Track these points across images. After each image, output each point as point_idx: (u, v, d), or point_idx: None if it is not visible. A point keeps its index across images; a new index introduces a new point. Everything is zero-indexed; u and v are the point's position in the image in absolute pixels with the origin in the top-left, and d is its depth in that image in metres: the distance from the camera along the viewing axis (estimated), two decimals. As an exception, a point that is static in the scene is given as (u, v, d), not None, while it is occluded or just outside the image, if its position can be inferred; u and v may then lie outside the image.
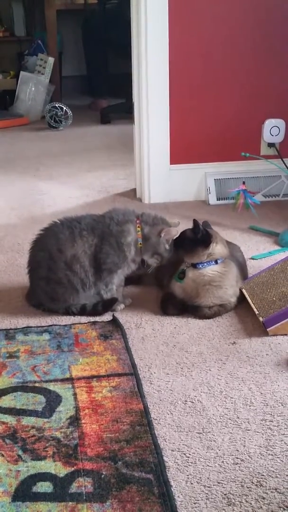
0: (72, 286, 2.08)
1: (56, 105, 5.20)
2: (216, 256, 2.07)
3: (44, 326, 2.05)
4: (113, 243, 2.08)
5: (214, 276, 2.07)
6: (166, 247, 2.12)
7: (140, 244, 2.11)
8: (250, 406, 1.63)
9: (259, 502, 1.32)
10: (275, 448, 1.47)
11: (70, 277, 2.07)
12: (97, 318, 2.09)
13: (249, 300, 2.11)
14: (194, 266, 2.08)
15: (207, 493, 1.34)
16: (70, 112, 5.19)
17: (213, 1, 3.07)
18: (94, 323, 2.06)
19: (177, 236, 2.12)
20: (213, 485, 1.37)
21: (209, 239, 2.06)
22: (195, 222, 2.07)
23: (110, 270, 2.09)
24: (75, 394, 1.68)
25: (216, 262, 2.08)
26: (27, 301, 2.22)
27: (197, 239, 2.06)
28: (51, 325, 2.05)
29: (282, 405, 1.63)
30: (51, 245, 2.08)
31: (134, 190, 3.43)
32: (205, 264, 2.07)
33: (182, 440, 1.51)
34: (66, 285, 2.08)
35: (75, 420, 1.58)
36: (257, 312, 2.04)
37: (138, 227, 2.11)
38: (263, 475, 1.39)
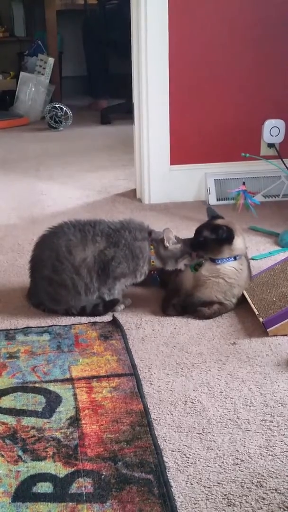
0: (75, 289, 2.07)
1: (56, 105, 5.20)
2: (237, 252, 2.08)
3: (44, 327, 2.05)
4: (128, 255, 2.08)
5: (230, 272, 2.08)
6: (178, 246, 2.11)
7: (153, 261, 2.12)
8: (250, 406, 1.63)
9: (259, 502, 1.32)
10: (275, 448, 1.47)
11: (75, 280, 2.06)
12: (97, 319, 2.09)
13: (249, 301, 2.11)
14: (213, 260, 2.08)
15: (207, 494, 1.34)
16: (70, 112, 5.19)
17: (213, 2, 3.07)
18: (94, 323, 2.06)
19: (195, 240, 2.10)
20: (213, 485, 1.37)
21: (232, 235, 2.05)
22: (214, 225, 2.06)
23: (116, 278, 2.09)
24: (75, 395, 1.68)
25: (235, 258, 2.08)
26: (27, 299, 2.22)
27: (221, 239, 2.05)
28: (51, 326, 2.05)
29: (282, 405, 1.63)
30: (60, 246, 2.06)
31: (134, 190, 3.43)
32: (224, 260, 2.07)
33: (182, 440, 1.51)
34: (70, 288, 2.07)
35: (75, 421, 1.58)
36: (257, 313, 2.04)
37: (151, 245, 2.11)
38: (263, 476, 1.39)
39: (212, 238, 2.06)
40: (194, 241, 2.11)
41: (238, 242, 2.08)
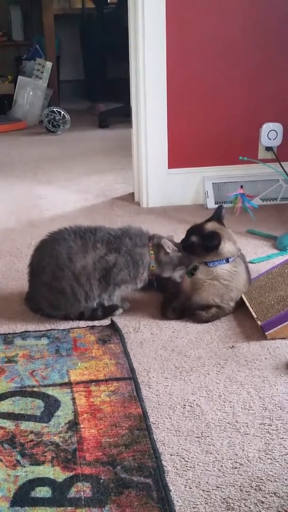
0: (75, 297, 2.07)
1: (54, 109, 5.20)
2: (226, 255, 2.09)
3: (43, 331, 2.05)
4: (129, 262, 2.08)
5: (223, 274, 2.08)
6: (178, 255, 2.11)
7: (152, 266, 2.12)
8: (248, 410, 1.63)
9: (258, 506, 1.31)
10: (274, 452, 1.47)
11: (74, 288, 2.05)
12: (96, 323, 2.09)
13: (248, 304, 2.11)
14: (206, 264, 2.09)
15: (206, 498, 1.34)
16: (68, 116, 5.20)
17: (210, 6, 3.07)
18: (92, 327, 2.06)
19: (184, 242, 2.11)
20: (212, 489, 1.36)
21: (218, 243, 2.06)
22: (201, 232, 2.08)
23: (117, 284, 2.09)
24: (73, 399, 1.68)
25: (227, 261, 2.09)
26: (26, 303, 2.22)
27: (206, 245, 2.06)
28: (49, 330, 2.05)
29: (280, 409, 1.63)
30: (61, 253, 2.04)
31: (132, 194, 3.43)
32: (216, 262, 2.08)
33: (181, 444, 1.51)
34: (69, 296, 2.06)
35: (73, 425, 1.57)
36: (255, 316, 2.04)
37: (151, 250, 2.11)
38: (262, 479, 1.39)
39: (198, 243, 2.08)
40: (184, 242, 2.12)
41: (226, 247, 2.08)
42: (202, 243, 2.07)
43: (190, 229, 2.14)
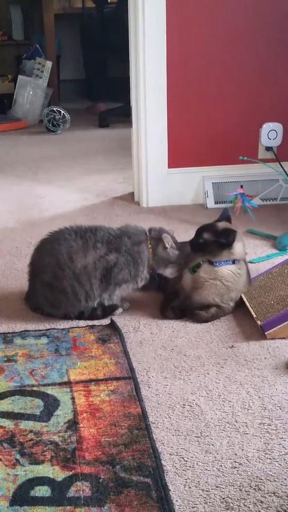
0: (75, 297, 2.07)
1: (54, 108, 5.20)
2: (235, 256, 2.08)
3: (42, 330, 2.05)
4: (129, 261, 2.08)
5: (227, 275, 2.08)
6: (176, 253, 2.11)
7: (152, 260, 2.12)
8: (248, 409, 1.63)
9: (257, 506, 1.32)
10: (273, 452, 1.47)
11: (75, 288, 2.06)
12: (95, 322, 2.09)
13: (247, 304, 2.11)
14: (211, 263, 2.08)
15: (205, 497, 1.34)
16: (68, 115, 5.20)
17: (211, 6, 3.07)
18: (92, 327, 2.06)
19: (194, 241, 2.10)
20: (212, 489, 1.36)
21: (234, 239, 2.06)
22: (217, 228, 2.07)
23: (117, 284, 2.09)
24: (73, 398, 1.68)
25: (233, 262, 2.08)
26: (26, 302, 2.22)
27: (221, 242, 2.05)
28: (49, 329, 2.05)
29: (280, 408, 1.63)
30: (61, 252, 2.05)
31: (132, 193, 3.43)
32: (222, 263, 2.08)
33: (180, 444, 1.51)
34: (69, 295, 2.06)
35: (73, 424, 1.57)
36: (255, 316, 2.04)
37: (149, 244, 2.11)
38: (261, 479, 1.39)
39: (213, 241, 2.06)
40: (194, 242, 2.10)
41: (238, 247, 2.08)
42: (216, 240, 2.06)
43: (200, 229, 2.12)
